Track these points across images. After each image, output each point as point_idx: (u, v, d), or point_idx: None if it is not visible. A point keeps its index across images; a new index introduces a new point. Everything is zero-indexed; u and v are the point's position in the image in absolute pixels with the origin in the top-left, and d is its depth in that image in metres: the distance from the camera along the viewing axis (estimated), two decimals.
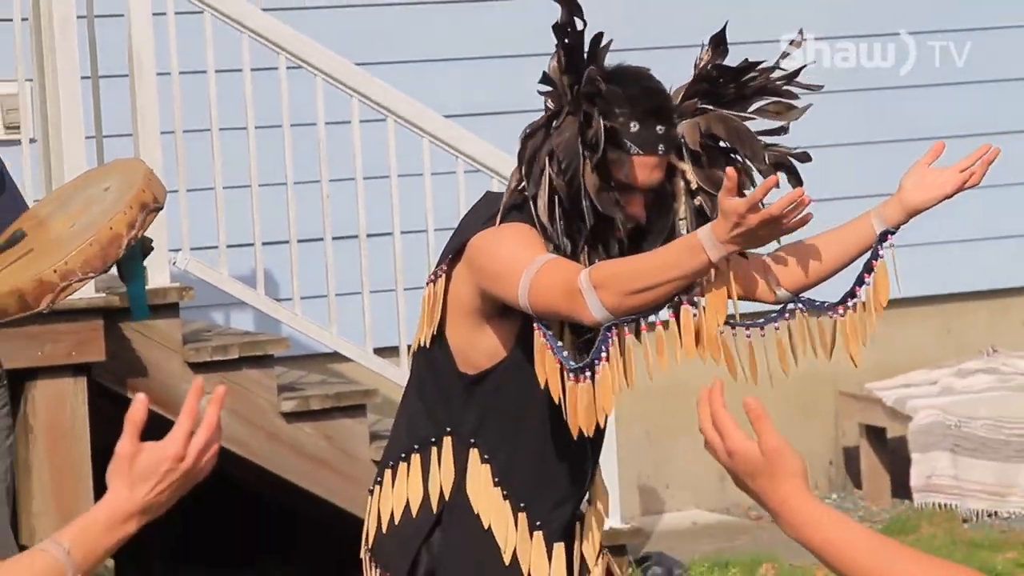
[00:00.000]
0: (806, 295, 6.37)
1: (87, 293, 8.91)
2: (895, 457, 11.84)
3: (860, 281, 6.17)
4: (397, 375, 10.06)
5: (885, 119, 12.96)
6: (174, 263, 9.90)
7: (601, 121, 5.76)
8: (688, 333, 5.81)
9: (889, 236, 6.17)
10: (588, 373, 5.80)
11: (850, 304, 6.20)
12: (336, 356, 10.55)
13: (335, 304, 10.32)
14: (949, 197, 6.19)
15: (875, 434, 11.96)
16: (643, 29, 11.82)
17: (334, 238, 10.27)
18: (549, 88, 5.99)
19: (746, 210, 5.36)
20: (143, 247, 8.01)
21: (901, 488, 11.76)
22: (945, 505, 11.35)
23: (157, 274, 9.52)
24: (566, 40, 5.88)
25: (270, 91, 10.15)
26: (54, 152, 9.51)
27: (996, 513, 11.30)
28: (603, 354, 5.80)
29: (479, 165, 10.04)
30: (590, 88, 5.85)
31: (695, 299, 5.88)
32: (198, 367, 9.78)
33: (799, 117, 6.12)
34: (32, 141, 9.69)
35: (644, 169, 5.88)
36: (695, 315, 5.87)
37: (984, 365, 11.94)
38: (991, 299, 12.42)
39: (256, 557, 10.66)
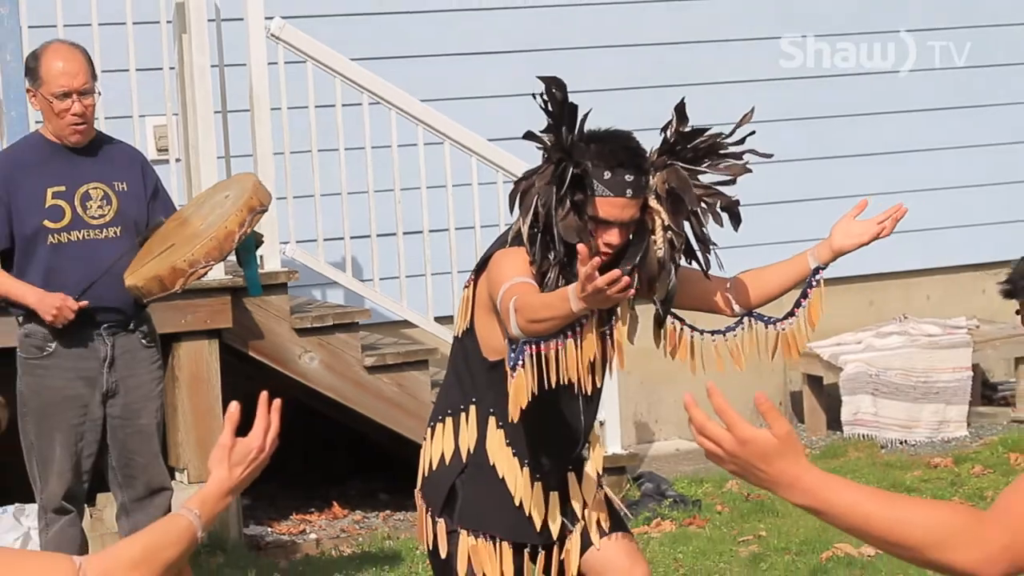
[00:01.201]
0: (757, 311, 6.44)
1: (218, 275, 9.03)
2: (830, 399, 11.86)
3: (798, 304, 6.30)
4: (451, 337, 10.08)
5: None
6: (284, 252, 9.91)
7: (570, 169, 5.79)
8: (572, 363, 5.89)
9: (820, 271, 6.29)
10: (513, 374, 5.88)
11: (791, 321, 6.31)
12: (406, 323, 10.51)
13: (405, 283, 10.30)
14: (867, 244, 6.34)
15: (815, 381, 11.98)
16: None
17: (404, 233, 10.26)
18: (537, 144, 6.02)
19: (584, 279, 5.36)
20: (256, 241, 8.07)
21: (834, 422, 11.76)
22: (867, 435, 11.43)
23: (271, 261, 9.66)
24: (549, 108, 5.90)
25: (356, 121, 10.13)
26: (193, 168, 9.54)
27: (905, 441, 11.35)
28: (520, 363, 5.86)
29: (515, 177, 9.97)
30: (565, 144, 5.89)
31: (579, 337, 5.89)
32: (302, 332, 9.79)
33: (743, 174, 6.14)
34: (177, 160, 9.69)
35: (614, 208, 5.88)
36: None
37: (897, 329, 11.99)
38: (903, 279, 12.45)
39: (342, 476, 10.73)
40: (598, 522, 6.36)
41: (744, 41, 12.33)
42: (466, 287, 6.17)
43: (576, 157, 5.86)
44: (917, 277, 12.62)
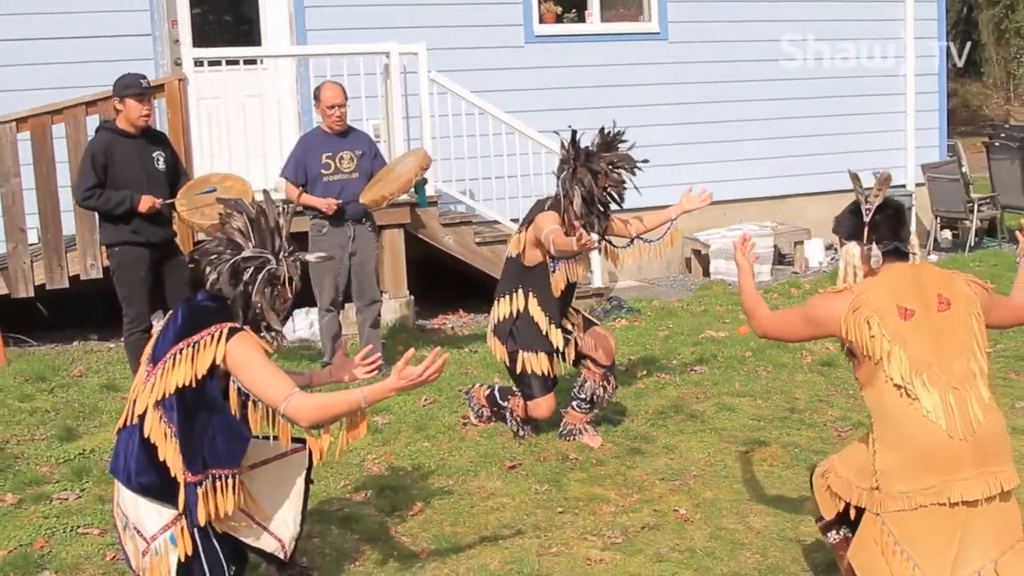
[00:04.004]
0: (645, 236, 6.45)
1: (404, 198, 8.99)
2: (704, 261, 11.66)
3: (664, 234, 6.37)
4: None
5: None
6: (436, 186, 9.91)
7: (602, 164, 5.94)
8: (573, 271, 6.10)
9: (674, 220, 6.33)
10: (554, 273, 6.11)
11: (660, 242, 6.37)
12: (496, 222, 10.41)
13: (495, 202, 10.35)
14: (697, 209, 6.39)
15: (697, 253, 11.75)
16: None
17: (495, 177, 10.27)
18: (561, 158, 6.11)
19: (580, 244, 5.60)
20: (423, 180, 8.26)
21: (707, 274, 11.58)
22: (722, 280, 11.19)
23: (429, 190, 9.57)
24: (574, 139, 6.03)
25: (472, 122, 10.14)
26: (392, 145, 9.53)
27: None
28: (554, 270, 6.08)
29: (547, 150, 10.01)
30: (591, 157, 6.01)
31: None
32: (444, 225, 9.77)
33: (630, 148, 6.15)
34: (384, 141, 9.63)
35: (615, 176, 6.02)
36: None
37: (738, 226, 11.78)
38: (741, 203, 12.12)
39: (464, 296, 10.54)
40: (582, 328, 6.45)
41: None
42: (518, 232, 6.27)
43: (592, 159, 6.01)
44: (748, 202, 12.26)
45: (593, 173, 6.00)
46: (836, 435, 6.60)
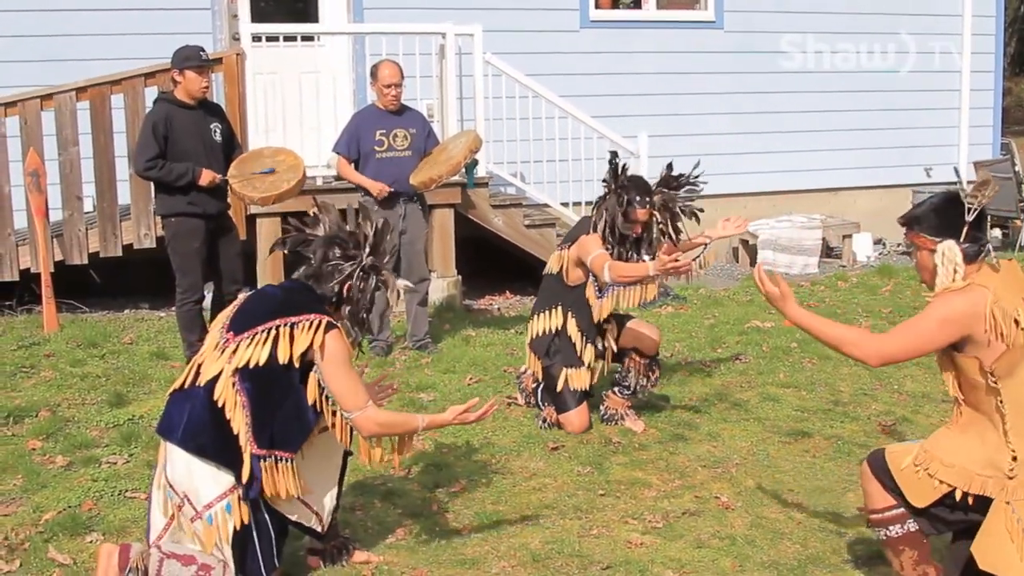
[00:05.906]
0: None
1: (455, 179, 8.96)
2: (752, 251, 11.60)
3: (700, 255, 6.34)
4: (567, 213, 10.19)
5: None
6: (487, 168, 9.90)
7: (625, 196, 5.99)
8: (635, 295, 6.06)
9: (708, 244, 6.32)
10: (600, 301, 6.12)
11: (700, 260, 6.33)
12: (546, 205, 10.40)
13: (546, 185, 10.32)
14: (727, 237, 6.39)
15: (744, 243, 11.70)
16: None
17: (546, 161, 10.22)
18: (605, 184, 6.14)
19: (667, 265, 5.61)
20: (473, 162, 8.24)
21: (754, 263, 11.28)
22: (770, 271, 11.11)
23: (480, 171, 9.62)
24: (613, 166, 6.09)
25: (526, 105, 10.10)
26: (445, 125, 9.52)
27: (788, 273, 11.10)
28: (608, 295, 6.09)
29: (599, 135, 10.09)
30: (622, 186, 6.04)
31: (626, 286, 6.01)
32: (494, 206, 9.76)
33: (699, 191, 6.26)
34: (436, 121, 9.58)
35: (642, 213, 6.03)
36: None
37: (786, 218, 11.71)
38: (791, 194, 12.09)
39: (510, 278, 10.59)
40: (617, 331, 6.44)
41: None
42: (561, 250, 6.30)
43: (623, 190, 6.05)
44: (798, 194, 12.24)
45: (622, 204, 6.06)
46: (879, 429, 6.53)
